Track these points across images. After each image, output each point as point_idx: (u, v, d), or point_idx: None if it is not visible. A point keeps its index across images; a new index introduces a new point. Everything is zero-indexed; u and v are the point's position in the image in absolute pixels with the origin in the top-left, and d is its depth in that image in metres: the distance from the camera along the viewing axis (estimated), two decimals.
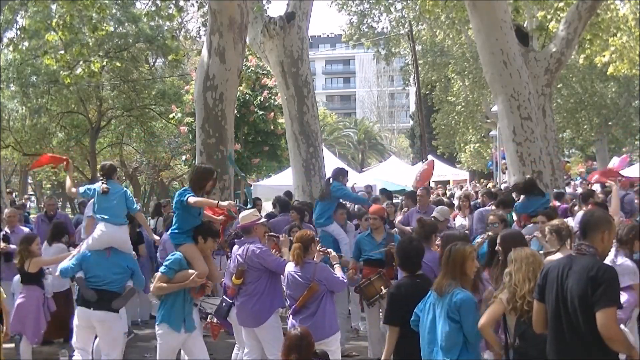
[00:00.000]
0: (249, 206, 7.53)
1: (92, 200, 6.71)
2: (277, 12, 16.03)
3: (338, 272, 5.91)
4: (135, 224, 8.06)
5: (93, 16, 14.14)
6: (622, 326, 4.40)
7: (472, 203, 11.64)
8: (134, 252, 6.87)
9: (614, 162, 23.00)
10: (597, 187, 13.60)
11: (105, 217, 6.39)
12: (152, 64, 30.33)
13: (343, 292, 7.74)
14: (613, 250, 5.19)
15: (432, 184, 25.33)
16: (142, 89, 27.16)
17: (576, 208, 10.30)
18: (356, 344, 8.29)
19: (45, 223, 10.31)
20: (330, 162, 17.16)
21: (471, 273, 4.61)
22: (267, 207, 13.20)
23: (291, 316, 5.79)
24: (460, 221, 10.86)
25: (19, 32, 17.06)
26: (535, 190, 8.81)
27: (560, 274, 3.72)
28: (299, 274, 5.69)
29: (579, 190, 15.17)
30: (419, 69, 28.25)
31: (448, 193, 21.36)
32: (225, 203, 6.23)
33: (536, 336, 3.98)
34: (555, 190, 12.02)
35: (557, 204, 10.76)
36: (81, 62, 16.57)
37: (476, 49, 15.16)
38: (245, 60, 17.00)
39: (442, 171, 33.69)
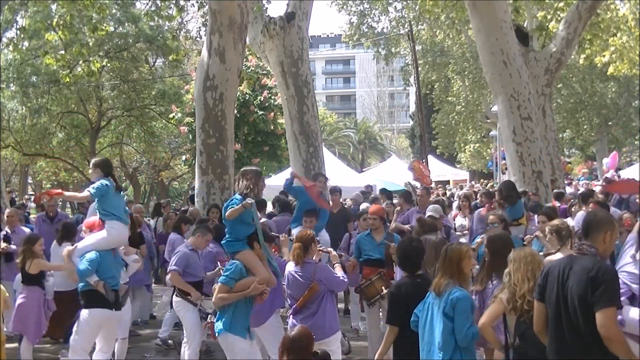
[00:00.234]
0: None
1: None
2: (277, 12, 16.04)
3: (338, 271, 5.91)
4: (136, 224, 8.07)
5: (93, 16, 14.17)
6: None
7: (472, 203, 11.64)
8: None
9: (606, 164, 22.95)
10: (596, 188, 13.59)
11: (116, 214, 6.25)
12: (152, 64, 30.33)
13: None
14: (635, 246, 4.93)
15: (432, 184, 25.35)
16: (142, 89, 27.16)
17: (575, 208, 10.31)
18: (356, 344, 8.29)
19: (46, 223, 10.30)
20: (330, 162, 17.19)
21: (468, 272, 4.64)
22: (267, 207, 13.18)
23: (292, 316, 5.79)
24: (460, 221, 10.87)
25: (19, 32, 17.04)
26: (514, 195, 8.66)
27: (561, 274, 3.73)
28: (300, 273, 5.70)
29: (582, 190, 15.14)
30: (419, 69, 28.24)
31: (448, 193, 21.38)
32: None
33: (536, 336, 3.98)
34: (555, 191, 12.03)
35: (557, 204, 10.77)
36: (81, 62, 16.57)
37: (476, 49, 15.17)
38: (245, 60, 17.00)
39: (442, 171, 33.72)
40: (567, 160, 29.68)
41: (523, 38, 14.19)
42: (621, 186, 12.32)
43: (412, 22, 25.75)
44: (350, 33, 27.06)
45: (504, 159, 16.22)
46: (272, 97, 20.81)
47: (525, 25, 17.17)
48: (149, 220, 12.09)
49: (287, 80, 13.66)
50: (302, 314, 5.66)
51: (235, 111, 13.94)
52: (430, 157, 27.84)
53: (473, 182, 29.55)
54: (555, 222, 5.89)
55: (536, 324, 3.91)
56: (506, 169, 15.23)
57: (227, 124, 10.94)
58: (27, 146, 27.36)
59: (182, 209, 13.77)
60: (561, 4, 16.29)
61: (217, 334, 5.50)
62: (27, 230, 9.49)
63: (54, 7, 18.61)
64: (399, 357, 4.97)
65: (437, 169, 32.16)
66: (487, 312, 4.37)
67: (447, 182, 33.03)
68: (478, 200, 11.85)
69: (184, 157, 24.76)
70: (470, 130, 33.61)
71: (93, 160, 6.60)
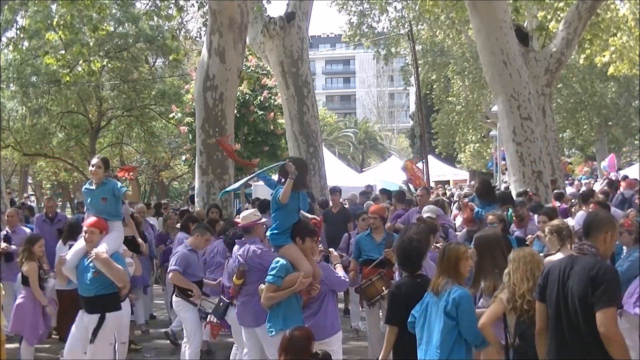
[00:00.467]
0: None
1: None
2: (277, 12, 16.05)
3: (340, 271, 5.91)
4: (138, 223, 8.09)
5: (93, 16, 14.17)
6: None
7: None
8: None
9: (605, 167, 22.92)
10: (596, 187, 13.59)
11: (120, 215, 6.34)
12: (152, 64, 30.33)
13: None
14: None
15: (432, 184, 25.38)
16: (142, 89, 27.16)
17: (575, 208, 10.30)
18: (356, 344, 8.29)
19: (46, 223, 10.31)
20: (330, 162, 17.19)
21: (465, 272, 4.63)
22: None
23: None
24: (460, 221, 10.85)
25: (19, 32, 17.03)
26: (492, 195, 8.59)
27: (561, 274, 3.73)
28: None
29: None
30: (419, 69, 28.24)
31: (448, 193, 21.39)
32: None
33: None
34: (555, 191, 12.02)
35: (557, 204, 10.76)
36: (81, 62, 16.56)
37: (476, 49, 15.16)
38: (245, 60, 17.00)
39: (442, 171, 33.76)
40: (568, 161, 29.66)
41: (523, 38, 14.19)
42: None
43: (412, 22, 25.75)
44: (350, 33, 27.04)
45: (504, 159, 16.22)
46: (272, 97, 20.79)
47: (525, 25, 17.16)
48: (156, 219, 11.97)
49: (287, 80, 13.67)
50: (303, 314, 5.66)
51: (235, 111, 13.94)
52: (430, 157, 27.84)
53: (473, 182, 29.54)
54: (556, 222, 5.89)
55: (537, 325, 3.92)
56: (506, 169, 15.24)
57: (227, 124, 10.94)
58: (27, 146, 27.36)
59: (182, 209, 13.76)
60: (561, 4, 16.29)
61: (270, 335, 5.43)
62: (27, 230, 9.49)
63: (54, 7, 18.63)
64: (399, 357, 4.96)
65: (437, 169, 32.20)
66: (488, 312, 4.37)
67: (447, 182, 33.06)
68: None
69: (184, 157, 24.73)
70: (470, 130, 33.61)
71: (102, 157, 6.40)
